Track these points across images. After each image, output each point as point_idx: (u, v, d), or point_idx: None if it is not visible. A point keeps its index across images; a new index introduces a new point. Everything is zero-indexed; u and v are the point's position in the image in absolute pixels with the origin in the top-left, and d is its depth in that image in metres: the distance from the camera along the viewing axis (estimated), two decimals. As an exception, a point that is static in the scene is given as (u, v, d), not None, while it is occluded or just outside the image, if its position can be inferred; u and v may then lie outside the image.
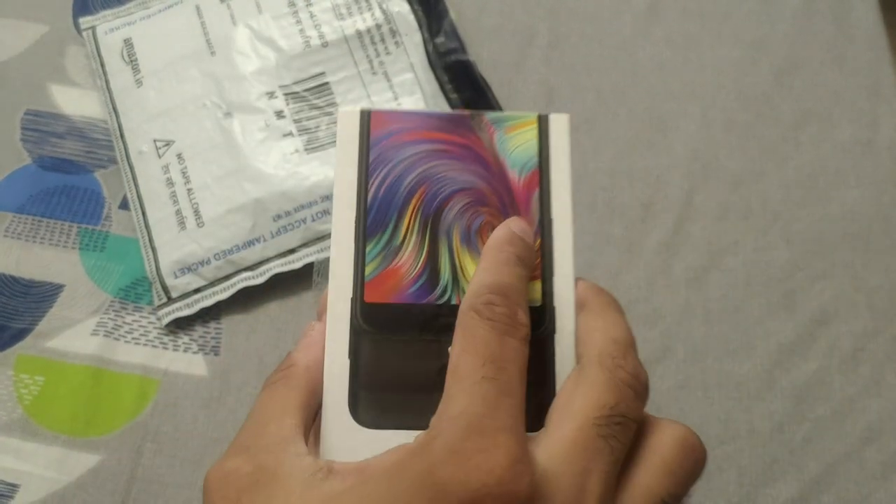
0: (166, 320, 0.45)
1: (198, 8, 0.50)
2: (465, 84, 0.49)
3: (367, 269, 0.24)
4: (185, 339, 0.45)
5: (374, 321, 0.24)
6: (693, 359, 0.45)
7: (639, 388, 0.22)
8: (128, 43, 0.50)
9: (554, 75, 0.52)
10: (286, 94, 0.47)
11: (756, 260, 0.47)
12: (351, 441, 0.23)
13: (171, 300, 0.45)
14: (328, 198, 0.46)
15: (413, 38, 0.49)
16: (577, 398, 0.22)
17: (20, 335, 0.45)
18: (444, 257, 0.25)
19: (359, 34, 0.49)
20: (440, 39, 0.49)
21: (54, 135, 0.50)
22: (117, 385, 0.44)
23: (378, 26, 0.49)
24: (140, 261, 0.46)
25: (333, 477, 0.21)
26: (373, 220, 0.25)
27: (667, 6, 0.54)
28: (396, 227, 0.25)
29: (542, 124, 0.26)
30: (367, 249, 0.24)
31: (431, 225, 0.25)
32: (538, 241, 0.25)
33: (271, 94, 0.47)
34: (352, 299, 0.24)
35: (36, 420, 0.43)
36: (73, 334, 0.45)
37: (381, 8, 0.49)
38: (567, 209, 0.26)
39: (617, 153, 0.50)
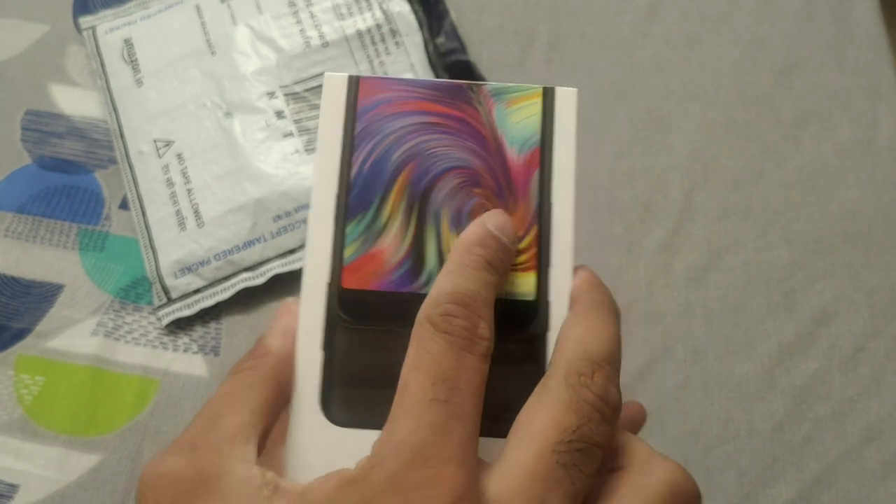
0: (166, 321, 0.45)
1: (198, 8, 0.50)
2: (465, 84, 0.49)
3: (347, 252, 0.22)
4: (185, 339, 0.45)
5: (351, 309, 0.22)
6: (693, 359, 0.45)
7: (606, 411, 0.20)
8: (128, 43, 0.50)
9: (554, 75, 0.52)
10: (286, 95, 0.47)
11: (756, 260, 0.47)
12: (321, 440, 0.21)
13: (171, 300, 0.45)
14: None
15: (413, 38, 0.49)
16: (538, 419, 0.20)
17: (20, 335, 0.45)
18: (430, 242, 0.22)
19: (359, 34, 0.49)
20: (440, 40, 0.49)
21: (54, 135, 0.50)
22: (117, 385, 0.44)
23: (378, 26, 0.49)
24: (140, 261, 0.46)
25: (278, 498, 0.19)
26: (355, 199, 0.22)
27: (667, 6, 0.54)
28: (381, 207, 0.22)
29: (548, 98, 0.23)
30: (348, 230, 0.22)
31: (419, 206, 0.22)
32: (535, 227, 0.23)
33: (272, 94, 0.47)
34: (328, 284, 0.22)
35: (36, 420, 0.43)
36: (73, 334, 0.45)
37: (381, 8, 0.49)
38: (569, 193, 0.23)
39: (617, 153, 0.50)
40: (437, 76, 0.49)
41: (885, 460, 0.43)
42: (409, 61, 0.49)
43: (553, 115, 0.23)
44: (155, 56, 0.49)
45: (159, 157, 0.47)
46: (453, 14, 0.50)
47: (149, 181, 0.47)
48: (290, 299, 0.23)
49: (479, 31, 0.53)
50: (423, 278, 0.22)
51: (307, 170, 0.46)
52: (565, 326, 0.22)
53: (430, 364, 0.20)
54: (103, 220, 0.48)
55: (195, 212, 0.46)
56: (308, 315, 0.22)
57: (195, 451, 0.20)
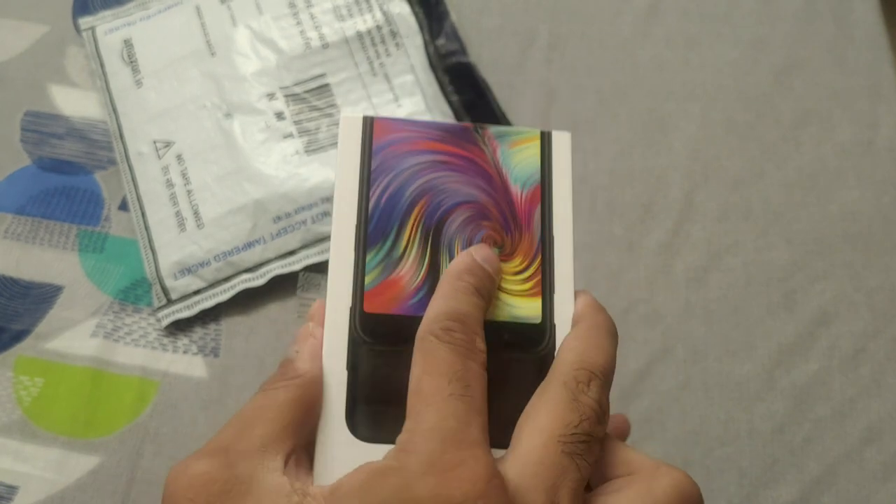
0: (166, 322, 0.45)
1: (198, 8, 0.50)
2: (465, 86, 0.49)
3: (367, 279, 0.23)
4: (185, 340, 0.45)
5: (373, 332, 0.23)
6: (693, 359, 0.45)
7: (600, 414, 0.22)
8: (128, 43, 0.50)
9: (554, 76, 0.52)
10: (286, 96, 0.47)
11: (756, 260, 0.47)
12: (347, 455, 0.22)
13: (170, 302, 0.45)
14: (328, 199, 0.46)
15: (414, 39, 0.49)
16: (542, 415, 0.21)
17: (19, 336, 0.45)
18: (444, 270, 0.24)
19: (359, 35, 0.49)
20: (441, 41, 0.49)
21: (54, 136, 0.49)
22: (117, 387, 0.44)
23: (378, 28, 0.49)
24: (140, 262, 0.46)
25: (308, 501, 0.20)
26: (374, 229, 0.24)
27: (667, 6, 0.54)
28: (398, 238, 0.24)
29: (545, 141, 0.26)
30: (367, 259, 0.24)
31: (433, 237, 0.24)
32: (539, 257, 0.25)
33: (271, 96, 0.47)
34: (351, 309, 0.23)
35: (35, 422, 0.43)
36: (73, 336, 0.45)
37: (381, 9, 0.49)
38: (568, 226, 0.25)
39: (617, 153, 0.50)
40: (438, 78, 0.49)
41: (886, 461, 0.43)
42: (410, 63, 0.49)
43: (550, 156, 0.26)
44: (155, 57, 0.49)
45: (159, 158, 0.47)
46: (453, 15, 0.50)
47: (148, 182, 0.47)
48: (310, 324, 0.24)
49: (479, 32, 0.53)
50: None
51: (307, 171, 0.46)
52: (566, 341, 0.24)
53: (440, 367, 0.21)
54: (103, 221, 0.48)
55: (195, 213, 0.46)
56: (332, 337, 0.23)
57: (227, 455, 0.21)
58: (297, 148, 0.46)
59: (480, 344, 0.22)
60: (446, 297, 0.23)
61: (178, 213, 0.46)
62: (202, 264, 0.45)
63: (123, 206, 0.48)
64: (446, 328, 0.22)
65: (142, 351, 0.45)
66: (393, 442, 0.21)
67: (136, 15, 0.51)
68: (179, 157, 0.47)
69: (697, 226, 0.48)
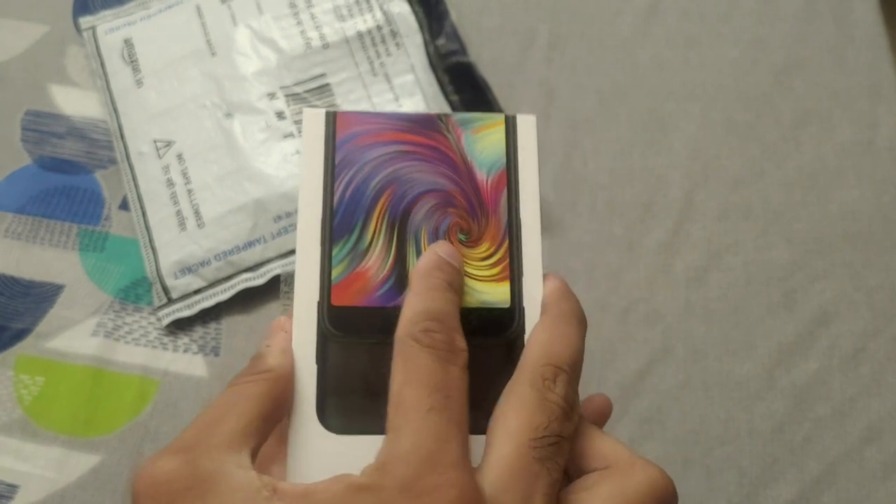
0: (166, 321, 0.45)
1: (198, 8, 0.50)
2: (465, 85, 0.49)
3: (334, 273, 0.24)
4: (185, 339, 0.45)
5: (341, 324, 0.23)
6: (693, 359, 0.45)
7: (568, 411, 0.22)
8: (128, 43, 0.50)
9: (554, 76, 0.52)
10: (287, 95, 0.47)
11: (756, 259, 0.47)
12: (318, 447, 0.22)
13: (171, 301, 0.45)
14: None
15: (414, 39, 0.49)
16: (512, 418, 0.22)
17: (20, 335, 0.45)
18: (411, 259, 0.24)
19: (360, 35, 0.49)
20: (441, 41, 0.49)
21: (54, 135, 0.50)
22: (117, 385, 0.44)
23: (379, 27, 0.49)
24: (140, 261, 0.46)
25: (278, 499, 0.20)
26: (339, 223, 0.24)
27: (667, 6, 0.54)
28: (363, 230, 0.24)
29: (510, 125, 0.26)
30: (334, 252, 0.24)
31: (399, 227, 0.24)
32: (506, 242, 0.25)
33: (272, 95, 0.47)
34: (318, 303, 0.23)
35: (36, 420, 0.43)
36: (73, 335, 0.45)
37: (381, 9, 0.49)
38: (535, 210, 0.25)
39: (617, 153, 0.50)
40: (438, 77, 0.49)
41: (886, 460, 0.43)
42: (410, 62, 0.49)
43: (516, 140, 0.26)
44: (155, 56, 0.49)
45: (159, 157, 0.47)
46: (454, 15, 0.50)
47: (149, 181, 0.47)
48: (282, 317, 0.24)
49: (479, 32, 0.53)
50: (403, 294, 0.24)
51: (307, 170, 0.46)
52: (533, 333, 0.24)
53: (420, 376, 0.21)
54: (103, 220, 0.48)
55: (195, 212, 0.46)
56: (301, 331, 0.23)
57: (191, 452, 0.21)
58: (298, 147, 0.46)
59: (461, 342, 0.22)
60: (420, 295, 0.23)
61: (178, 213, 0.46)
62: (203, 263, 0.45)
63: (124, 206, 0.48)
64: (426, 329, 0.22)
65: (142, 350, 0.45)
66: (363, 432, 0.22)
67: (136, 15, 0.51)
68: (180, 157, 0.47)
69: (697, 225, 0.48)
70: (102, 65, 0.50)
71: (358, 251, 0.24)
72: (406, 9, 0.49)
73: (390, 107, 0.48)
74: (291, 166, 0.46)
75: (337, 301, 0.23)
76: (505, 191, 0.25)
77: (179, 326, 0.45)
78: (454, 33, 0.50)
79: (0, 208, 0.48)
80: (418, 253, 0.24)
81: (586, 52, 0.52)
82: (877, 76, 0.52)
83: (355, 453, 0.21)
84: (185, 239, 0.46)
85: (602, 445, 0.23)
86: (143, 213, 0.47)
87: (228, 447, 0.21)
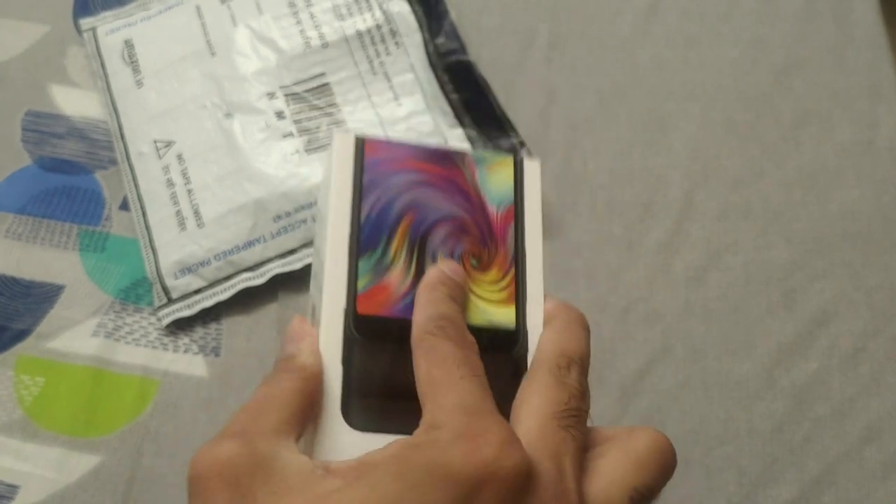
0: (166, 321, 0.45)
1: (198, 9, 0.50)
2: (465, 84, 0.49)
3: (360, 283, 0.26)
4: (186, 339, 0.45)
5: (365, 331, 0.25)
6: (693, 358, 0.45)
7: (584, 392, 0.24)
8: (128, 44, 0.50)
9: (554, 75, 0.52)
10: (286, 95, 0.47)
11: (756, 259, 0.47)
12: (343, 443, 0.24)
13: (171, 301, 0.45)
14: (328, 198, 0.46)
15: (413, 38, 0.49)
16: (533, 398, 0.23)
17: (20, 336, 0.45)
18: None
19: (359, 34, 0.49)
20: (440, 40, 0.49)
21: (55, 135, 0.50)
22: (117, 386, 0.44)
23: (378, 27, 0.49)
24: (140, 262, 0.46)
25: (332, 475, 0.21)
26: (366, 238, 0.26)
27: (667, 6, 0.54)
28: (387, 247, 0.26)
29: (518, 167, 0.28)
30: (360, 264, 0.26)
31: (419, 247, 0.26)
32: (512, 269, 0.27)
33: (272, 95, 0.47)
34: (345, 310, 0.25)
35: (36, 421, 0.43)
36: (74, 335, 0.45)
37: (381, 8, 0.49)
38: (538, 241, 0.28)
39: (617, 153, 0.50)
40: (437, 76, 0.49)
41: (885, 460, 0.43)
42: (409, 61, 0.49)
43: (522, 181, 0.28)
44: (155, 57, 0.49)
45: (159, 157, 0.47)
46: (453, 14, 0.50)
47: (149, 182, 0.47)
48: (297, 320, 0.26)
49: (479, 31, 0.53)
50: None
51: (307, 170, 0.46)
52: (544, 336, 0.26)
53: (446, 358, 0.23)
54: (104, 220, 0.48)
55: (195, 212, 0.46)
56: (328, 335, 0.25)
57: (247, 436, 0.22)
58: (297, 147, 0.46)
59: (470, 337, 0.24)
60: (427, 304, 0.25)
61: (178, 213, 0.46)
62: (203, 263, 0.45)
63: (124, 206, 0.48)
64: (439, 326, 0.24)
65: (142, 350, 0.45)
66: (383, 431, 0.24)
67: (136, 15, 0.51)
68: (180, 157, 0.47)
69: (697, 225, 0.48)
70: (103, 65, 0.50)
71: (382, 266, 0.26)
72: (405, 8, 0.49)
73: (390, 106, 0.48)
74: (291, 166, 0.46)
75: (362, 310, 0.25)
76: (512, 224, 0.28)
77: (179, 326, 0.45)
78: (454, 32, 0.50)
79: (0, 209, 0.48)
80: None
81: (586, 52, 0.52)
82: (877, 76, 0.52)
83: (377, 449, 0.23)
84: (185, 239, 0.46)
85: (596, 430, 0.25)
86: (144, 214, 0.47)
87: (278, 434, 0.22)
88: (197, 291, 0.45)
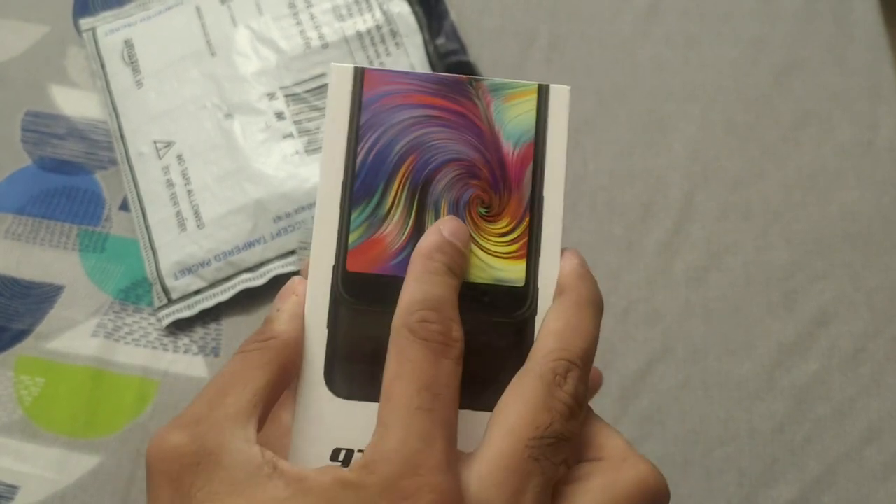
0: (166, 322, 0.45)
1: (198, 9, 0.50)
2: (465, 85, 0.49)
3: (351, 237, 0.23)
4: (186, 340, 0.45)
5: (354, 291, 0.23)
6: (693, 359, 0.45)
7: (575, 409, 0.22)
8: (128, 44, 0.50)
9: (554, 76, 0.52)
10: (287, 96, 0.47)
11: (756, 260, 0.47)
12: (324, 410, 0.22)
13: (171, 301, 0.45)
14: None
15: (413, 39, 0.49)
16: (513, 414, 0.21)
17: (20, 336, 0.45)
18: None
19: (359, 35, 0.49)
20: (441, 41, 0.49)
21: (55, 136, 0.50)
22: (117, 386, 0.44)
23: (378, 27, 0.49)
24: (140, 262, 0.46)
25: (277, 478, 0.20)
26: (360, 186, 0.23)
27: (667, 6, 0.54)
28: (384, 196, 0.24)
29: (542, 95, 0.25)
30: (353, 217, 0.23)
31: (420, 195, 0.24)
32: (527, 218, 0.24)
33: (272, 96, 0.47)
34: (333, 267, 0.23)
35: (36, 421, 0.43)
36: (74, 336, 0.45)
37: (381, 9, 0.49)
38: (560, 187, 0.24)
39: (617, 153, 0.50)
40: (437, 77, 0.49)
41: (886, 461, 0.43)
42: (410, 62, 0.49)
43: (547, 112, 0.25)
44: (155, 57, 0.49)
45: (159, 158, 0.47)
46: (453, 15, 0.50)
47: (149, 182, 0.47)
48: (295, 278, 0.24)
49: (479, 32, 0.53)
50: None
51: (307, 171, 0.46)
52: (547, 319, 0.23)
53: (411, 371, 0.21)
54: (103, 221, 0.48)
55: (195, 213, 0.46)
56: (315, 295, 0.23)
57: (198, 426, 0.21)
58: (298, 148, 0.46)
59: (457, 332, 0.22)
60: (419, 279, 0.22)
61: (178, 213, 0.46)
62: (203, 264, 0.45)
63: (124, 206, 0.48)
64: (422, 319, 0.22)
65: (142, 351, 0.45)
66: (368, 399, 0.22)
67: (136, 16, 0.51)
68: (180, 158, 0.47)
69: (697, 226, 0.48)
70: (102, 66, 0.50)
71: (377, 217, 0.23)
72: (406, 9, 0.49)
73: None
74: (291, 166, 0.46)
75: (352, 267, 0.23)
76: (531, 165, 0.24)
77: (179, 327, 0.45)
78: (454, 33, 0.50)
79: (0, 209, 0.48)
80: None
81: (586, 53, 0.52)
82: (877, 76, 0.52)
83: (359, 419, 0.22)
84: (185, 239, 0.46)
85: (598, 434, 0.23)
86: (143, 214, 0.47)
87: (235, 420, 0.21)
88: (197, 292, 0.45)
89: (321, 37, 0.49)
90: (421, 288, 0.22)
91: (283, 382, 0.23)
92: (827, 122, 0.51)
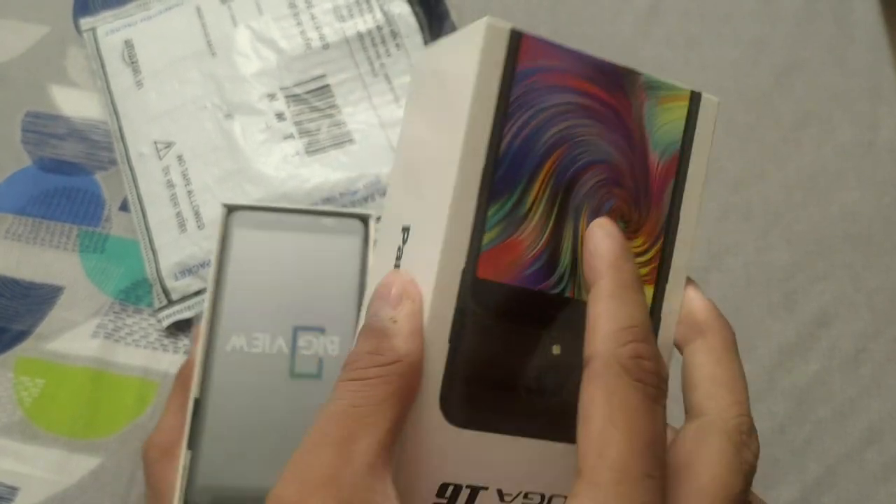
0: (167, 322, 0.45)
1: (198, 9, 0.50)
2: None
3: (485, 238, 0.19)
4: (186, 341, 0.45)
5: (484, 302, 0.19)
6: (694, 360, 0.45)
7: (755, 467, 0.20)
8: (128, 44, 0.50)
9: (554, 76, 0.52)
10: (287, 96, 0.47)
11: (756, 261, 0.47)
12: (437, 439, 0.19)
13: (171, 302, 0.45)
14: (329, 200, 0.46)
15: (414, 39, 0.49)
16: (705, 474, 0.19)
17: (20, 337, 0.45)
18: (567, 239, 0.20)
19: (360, 36, 0.49)
20: (441, 41, 0.49)
21: (55, 136, 0.49)
22: (117, 387, 0.44)
23: (379, 28, 0.49)
24: (140, 263, 0.46)
25: None
26: (502, 177, 0.19)
27: (667, 6, 0.54)
28: (525, 192, 0.20)
29: (693, 104, 0.22)
30: (490, 213, 0.19)
31: (562, 197, 0.20)
32: (661, 240, 0.21)
33: (272, 96, 0.47)
34: (463, 271, 0.19)
35: (36, 422, 0.43)
36: (74, 336, 0.45)
37: (381, 10, 0.49)
38: (695, 210, 0.21)
39: (617, 154, 0.50)
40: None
41: (886, 462, 0.43)
42: (410, 63, 0.49)
43: (695, 124, 0.22)
44: (155, 57, 0.49)
45: (160, 158, 0.47)
46: (454, 15, 0.50)
47: (149, 183, 0.47)
48: (393, 273, 0.20)
49: (479, 32, 0.52)
50: (554, 278, 0.20)
51: (307, 172, 0.46)
52: (707, 365, 0.21)
53: (630, 422, 0.18)
54: (104, 221, 0.48)
55: (196, 213, 0.46)
56: (438, 303, 0.19)
57: (340, 489, 0.17)
58: (298, 149, 0.46)
59: (665, 368, 0.19)
60: (617, 297, 0.19)
61: (178, 214, 0.46)
62: (203, 265, 0.45)
63: (124, 207, 0.48)
64: (636, 355, 0.18)
65: (142, 352, 0.45)
66: (487, 429, 0.19)
67: (136, 16, 0.51)
68: (180, 158, 0.47)
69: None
70: (103, 66, 0.50)
71: (515, 217, 0.19)
72: (406, 9, 0.49)
73: (390, 107, 0.48)
74: (291, 167, 0.46)
75: (483, 273, 0.19)
76: (672, 181, 0.21)
77: (180, 328, 0.45)
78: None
79: (0, 209, 0.48)
80: (575, 233, 0.20)
81: (587, 53, 0.52)
82: (877, 77, 0.52)
83: (473, 452, 0.19)
84: (185, 240, 0.46)
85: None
86: (144, 215, 0.47)
87: (373, 475, 0.18)
88: (197, 293, 0.45)
89: (322, 37, 0.49)
90: (624, 310, 0.19)
91: (407, 415, 0.19)
92: (827, 123, 0.51)
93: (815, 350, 0.45)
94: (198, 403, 0.28)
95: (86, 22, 0.51)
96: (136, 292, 0.46)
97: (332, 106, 0.48)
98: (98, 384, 0.44)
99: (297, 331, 0.30)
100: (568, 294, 0.20)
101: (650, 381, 0.18)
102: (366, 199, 0.46)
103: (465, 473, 0.20)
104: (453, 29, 0.50)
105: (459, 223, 0.19)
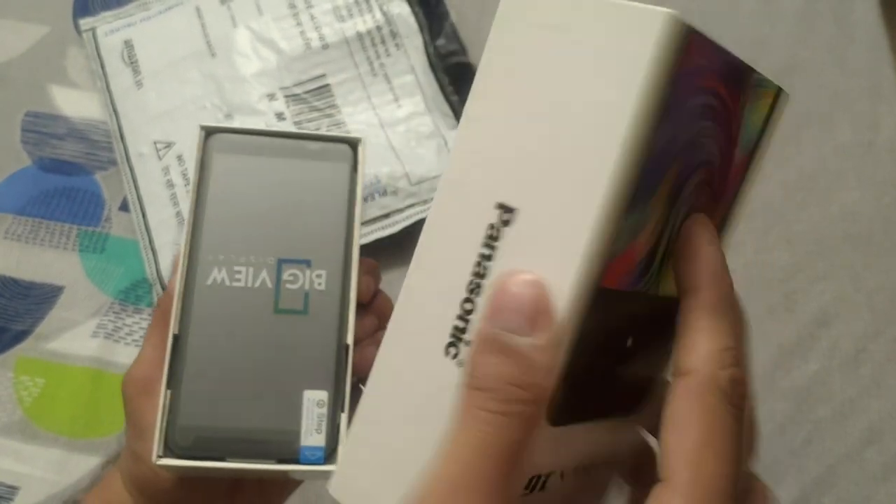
0: (167, 322, 0.45)
1: (198, 9, 0.50)
2: (465, 86, 0.49)
3: (617, 246, 0.18)
4: (186, 340, 0.45)
5: (600, 311, 0.18)
6: (694, 360, 0.45)
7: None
8: (128, 44, 0.50)
9: (554, 76, 0.52)
10: (287, 96, 0.47)
11: (757, 261, 0.47)
12: (539, 441, 0.18)
13: (171, 302, 0.45)
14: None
15: (413, 40, 0.49)
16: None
17: (20, 337, 0.45)
18: (664, 240, 0.19)
19: (359, 36, 0.49)
20: (441, 41, 0.49)
21: (54, 136, 0.50)
22: (117, 387, 0.44)
23: (378, 28, 0.49)
24: (140, 262, 0.46)
25: None
26: (644, 183, 0.18)
27: (667, 6, 0.54)
28: (654, 196, 0.18)
29: (776, 102, 0.20)
30: (629, 218, 0.18)
31: (675, 200, 0.19)
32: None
33: (272, 96, 0.47)
34: (595, 283, 0.18)
35: (36, 422, 0.43)
36: (74, 336, 0.45)
37: (381, 10, 0.49)
38: (741, 208, 0.20)
39: (617, 154, 0.50)
40: (438, 78, 0.49)
41: (886, 462, 0.43)
42: (410, 63, 0.49)
43: (770, 121, 0.20)
44: (155, 58, 0.49)
45: (159, 158, 0.47)
46: (454, 16, 0.50)
47: (149, 183, 0.47)
48: (525, 278, 0.18)
49: (479, 33, 0.52)
50: (645, 278, 0.19)
51: (307, 171, 0.46)
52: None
53: (724, 446, 0.18)
54: (103, 221, 0.48)
55: (195, 213, 0.46)
56: (568, 316, 0.18)
57: None
58: (298, 149, 0.46)
59: (749, 390, 0.19)
60: (721, 316, 0.19)
61: (178, 214, 0.46)
62: (202, 265, 0.45)
63: (124, 207, 0.48)
64: (734, 381, 0.18)
65: (142, 351, 0.45)
66: (575, 422, 0.19)
67: (136, 16, 0.51)
68: (180, 158, 0.47)
69: (698, 226, 0.48)
70: (102, 66, 0.50)
71: (641, 222, 0.18)
72: (406, 10, 0.49)
73: (390, 107, 0.48)
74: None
75: (607, 282, 0.18)
76: (742, 178, 0.20)
77: (179, 328, 0.45)
78: (454, 34, 0.50)
79: (0, 210, 0.48)
80: (670, 235, 0.19)
81: (586, 53, 0.52)
82: (877, 77, 0.52)
83: (563, 444, 0.19)
84: (185, 240, 0.46)
85: None
86: (143, 215, 0.47)
87: None
88: (197, 292, 0.45)
89: (321, 37, 0.49)
90: (725, 328, 0.19)
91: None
92: (827, 123, 0.51)
93: (815, 350, 0.45)
94: (177, 340, 0.27)
95: (86, 22, 0.51)
96: (136, 292, 0.46)
97: (332, 106, 0.48)
98: (98, 384, 0.44)
99: (281, 263, 0.28)
100: (651, 291, 0.19)
101: (741, 406, 0.18)
102: (365, 199, 0.46)
103: (551, 463, 0.19)
104: (453, 29, 0.50)
105: (604, 232, 0.17)
